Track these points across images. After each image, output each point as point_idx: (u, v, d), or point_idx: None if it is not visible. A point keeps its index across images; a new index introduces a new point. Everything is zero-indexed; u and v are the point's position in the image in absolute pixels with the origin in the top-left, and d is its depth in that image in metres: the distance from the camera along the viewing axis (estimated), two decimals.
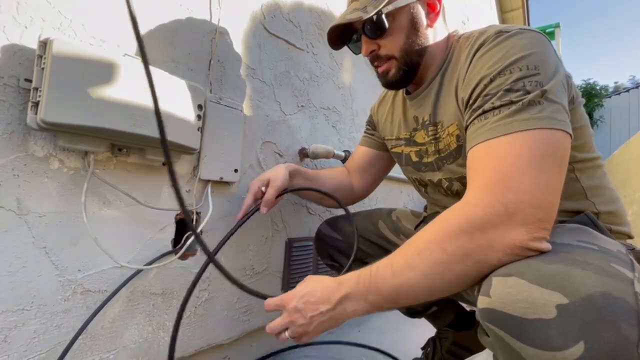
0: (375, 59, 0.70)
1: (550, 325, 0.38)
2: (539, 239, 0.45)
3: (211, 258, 0.58)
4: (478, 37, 0.61)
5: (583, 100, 0.64)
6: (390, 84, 0.72)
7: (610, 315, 0.36)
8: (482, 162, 0.52)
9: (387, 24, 0.65)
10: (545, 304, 0.39)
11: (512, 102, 0.51)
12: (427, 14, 0.68)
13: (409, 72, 0.70)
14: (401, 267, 0.51)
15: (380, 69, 0.71)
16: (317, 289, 0.58)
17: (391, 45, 0.68)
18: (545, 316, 0.38)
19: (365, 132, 1.00)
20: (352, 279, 0.55)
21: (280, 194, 0.83)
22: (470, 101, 0.58)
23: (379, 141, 0.95)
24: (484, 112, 0.54)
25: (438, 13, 0.68)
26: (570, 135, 0.51)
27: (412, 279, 0.50)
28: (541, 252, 0.44)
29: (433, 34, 0.69)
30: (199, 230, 0.80)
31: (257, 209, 0.81)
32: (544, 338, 0.38)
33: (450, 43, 0.70)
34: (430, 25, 0.68)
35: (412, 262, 0.50)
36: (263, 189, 0.82)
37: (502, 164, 0.48)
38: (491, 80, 0.54)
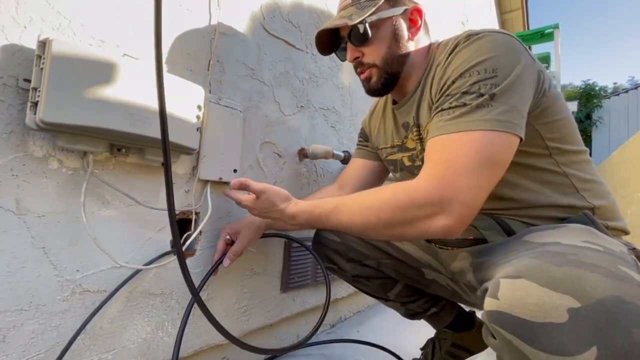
0: (359, 65, 0.75)
1: (562, 330, 0.38)
2: (451, 230, 0.54)
3: (196, 297, 0.61)
4: (453, 41, 0.65)
5: (560, 94, 0.66)
6: (372, 91, 0.76)
7: (622, 320, 0.36)
8: (434, 153, 0.59)
9: (370, 33, 0.70)
10: (556, 307, 0.38)
11: (464, 105, 0.56)
12: (409, 28, 0.73)
13: (390, 80, 0.74)
14: (344, 219, 0.65)
15: (362, 76, 0.75)
16: (275, 212, 0.72)
17: (373, 54, 0.72)
18: (556, 320, 0.38)
19: (358, 145, 1.01)
20: (303, 216, 0.70)
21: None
22: (435, 99, 0.63)
23: (372, 152, 0.96)
24: (442, 110, 0.59)
25: (419, 28, 0.73)
26: (517, 135, 0.55)
27: (347, 227, 0.66)
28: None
29: (414, 46, 0.74)
30: (198, 230, 0.80)
31: (221, 261, 0.82)
32: (555, 342, 0.38)
33: (431, 52, 0.74)
34: (411, 38, 0.73)
35: (353, 218, 0.63)
36: (228, 237, 0.84)
37: (448, 160, 0.56)
38: (453, 82, 0.59)
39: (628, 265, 0.42)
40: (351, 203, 0.65)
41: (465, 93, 0.57)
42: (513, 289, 0.42)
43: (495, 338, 0.46)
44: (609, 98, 13.00)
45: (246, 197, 0.74)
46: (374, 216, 0.60)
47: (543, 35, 5.93)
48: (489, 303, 0.44)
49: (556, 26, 5.78)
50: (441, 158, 0.57)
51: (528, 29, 5.69)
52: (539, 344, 0.39)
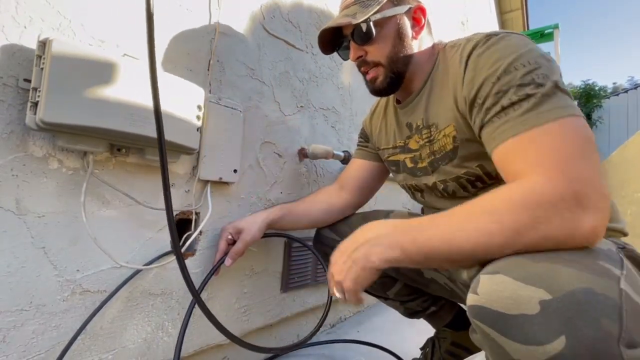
0: (362, 64, 0.74)
1: (532, 321, 0.39)
2: (599, 230, 0.44)
3: (197, 298, 0.61)
4: (467, 43, 0.63)
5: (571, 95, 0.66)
6: (377, 91, 0.75)
7: (591, 311, 0.37)
8: (524, 153, 0.50)
9: (374, 31, 0.69)
10: (529, 300, 0.39)
11: (529, 95, 0.52)
12: (413, 27, 0.72)
13: (395, 80, 0.73)
14: (448, 227, 0.50)
15: (368, 76, 0.75)
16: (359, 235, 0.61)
17: (377, 52, 0.71)
18: (528, 312, 0.39)
19: (358, 145, 1.01)
20: (390, 223, 0.57)
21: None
22: (479, 100, 0.58)
23: (373, 152, 0.96)
24: (503, 108, 0.54)
25: (423, 26, 0.72)
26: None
27: (461, 243, 0.49)
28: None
29: (418, 45, 0.73)
30: (198, 230, 0.80)
31: (223, 261, 0.82)
32: (526, 333, 0.39)
33: (436, 52, 0.74)
34: (415, 37, 0.72)
35: (461, 225, 0.49)
36: (230, 237, 0.84)
37: (556, 151, 0.47)
38: (498, 79, 0.55)
39: (610, 262, 0.42)
40: (452, 214, 0.52)
41: (520, 85, 0.53)
42: (490, 283, 0.43)
43: (477, 333, 0.47)
44: (608, 98, 13.02)
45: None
46: (494, 222, 0.46)
47: (543, 36, 5.93)
48: (470, 298, 0.45)
49: (556, 26, 5.78)
50: (545, 152, 0.48)
51: (528, 29, 5.69)
52: (512, 334, 0.40)
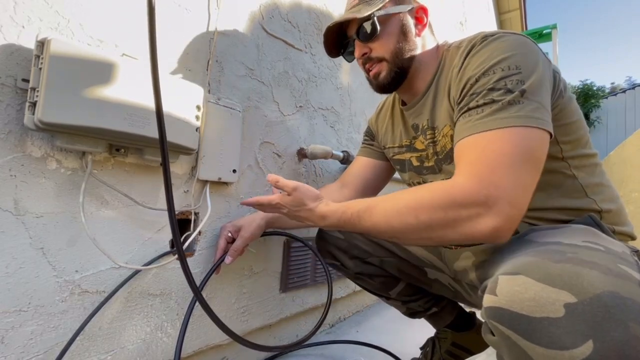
0: (367, 61, 0.75)
1: (558, 324, 0.38)
2: (501, 233, 0.50)
3: (198, 296, 0.61)
4: (468, 43, 0.65)
5: (573, 96, 0.66)
6: (381, 87, 0.76)
7: (619, 315, 0.36)
8: (468, 153, 0.56)
9: (378, 28, 0.70)
10: (553, 302, 0.39)
11: (493, 101, 0.55)
12: (416, 25, 0.73)
13: (399, 75, 0.73)
14: (379, 220, 0.60)
15: (372, 72, 0.75)
16: (305, 211, 0.69)
17: (382, 48, 0.72)
18: (553, 315, 0.38)
19: (363, 143, 1.01)
20: (335, 217, 0.66)
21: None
22: (458, 99, 0.62)
23: (378, 151, 0.96)
24: (469, 109, 0.58)
25: (425, 25, 0.74)
26: (549, 132, 0.54)
27: (383, 229, 0.60)
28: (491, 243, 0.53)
29: (421, 43, 0.74)
30: (197, 230, 0.80)
31: (223, 259, 0.82)
32: (552, 337, 0.38)
33: (441, 53, 0.74)
34: (418, 34, 0.73)
35: (389, 219, 0.59)
36: (229, 235, 0.84)
37: (487, 157, 0.53)
38: (476, 81, 0.58)
39: (629, 265, 0.42)
40: (385, 203, 0.61)
41: (491, 90, 0.55)
42: (511, 285, 0.42)
43: (494, 335, 0.46)
44: (606, 98, 13.05)
45: (275, 195, 0.71)
46: (412, 217, 0.55)
47: (541, 36, 5.94)
48: (487, 299, 0.45)
49: (554, 26, 5.80)
50: (479, 156, 0.53)
51: (526, 29, 5.70)
52: (535, 338, 0.40)
